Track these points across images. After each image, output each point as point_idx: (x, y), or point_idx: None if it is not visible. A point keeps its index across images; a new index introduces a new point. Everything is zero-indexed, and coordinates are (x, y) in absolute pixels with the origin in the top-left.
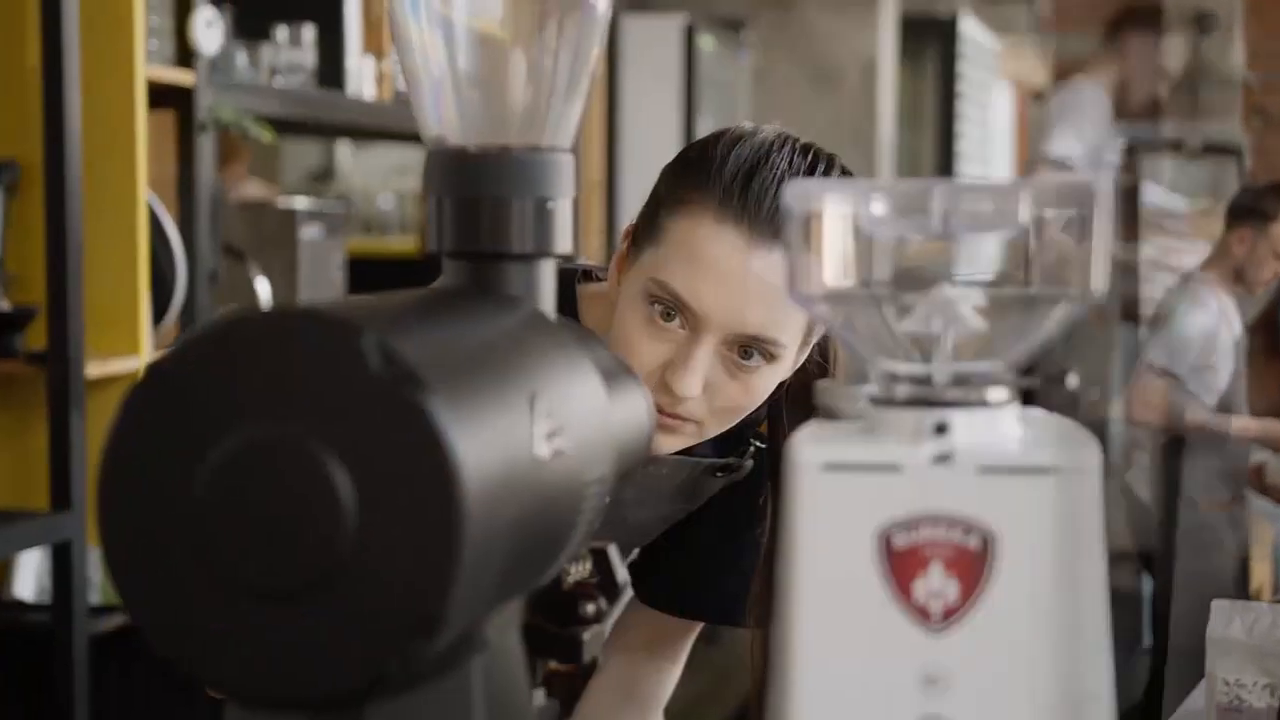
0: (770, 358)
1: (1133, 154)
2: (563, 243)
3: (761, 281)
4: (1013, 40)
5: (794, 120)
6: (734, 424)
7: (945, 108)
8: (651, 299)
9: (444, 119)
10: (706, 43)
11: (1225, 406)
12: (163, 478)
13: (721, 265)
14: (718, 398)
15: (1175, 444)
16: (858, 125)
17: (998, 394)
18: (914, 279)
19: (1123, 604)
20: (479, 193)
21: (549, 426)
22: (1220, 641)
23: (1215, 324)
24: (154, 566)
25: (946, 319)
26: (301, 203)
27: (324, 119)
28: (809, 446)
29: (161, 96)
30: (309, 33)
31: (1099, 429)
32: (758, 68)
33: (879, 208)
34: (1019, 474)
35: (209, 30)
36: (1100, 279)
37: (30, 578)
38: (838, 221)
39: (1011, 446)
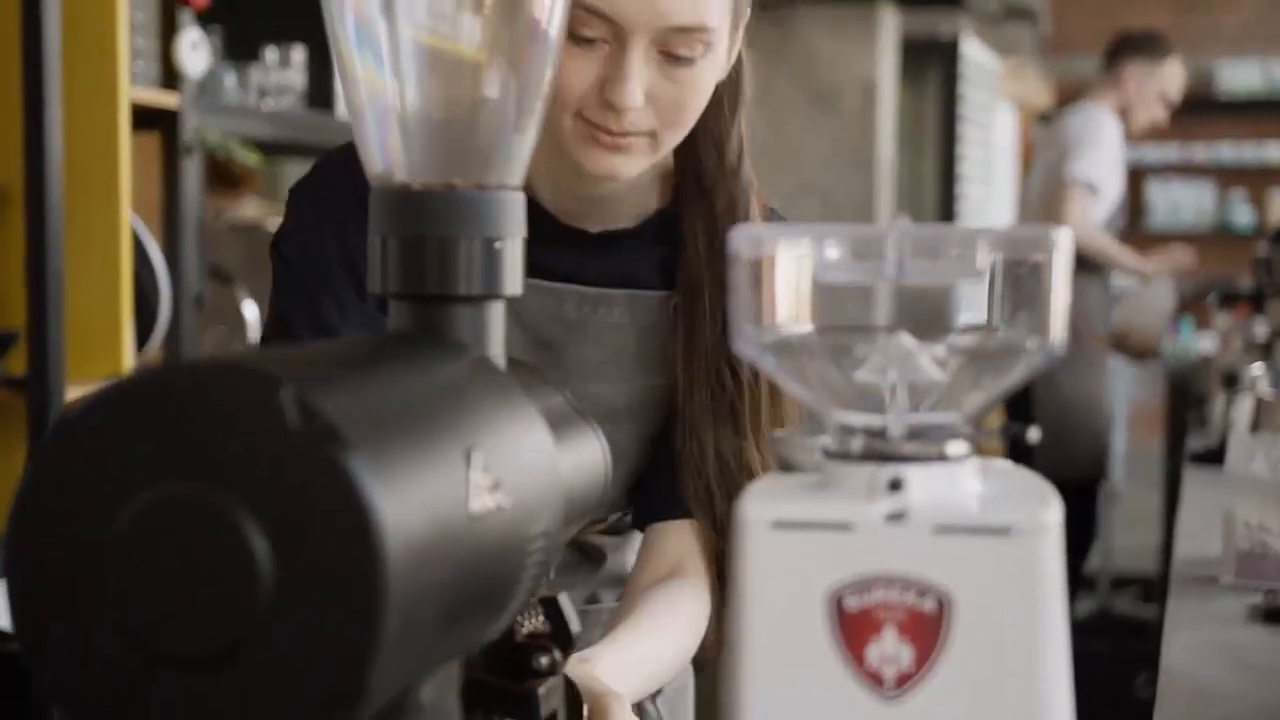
0: (704, 47)
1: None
2: (512, 284)
3: None
4: (1015, 62)
5: (794, 142)
6: (688, 129)
7: (947, 129)
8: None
9: (389, 155)
10: None
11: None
12: (72, 536)
13: None
14: (662, 103)
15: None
16: (858, 147)
17: (956, 448)
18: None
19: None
20: (424, 232)
21: (487, 480)
22: (1240, 479)
23: (1118, 144)
24: (63, 628)
25: (902, 370)
26: None
27: (313, 141)
28: (758, 503)
29: (147, 118)
30: (299, 54)
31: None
32: (754, 91)
33: (833, 252)
34: (976, 534)
35: (194, 52)
36: (1060, 331)
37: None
38: (790, 266)
39: (969, 504)
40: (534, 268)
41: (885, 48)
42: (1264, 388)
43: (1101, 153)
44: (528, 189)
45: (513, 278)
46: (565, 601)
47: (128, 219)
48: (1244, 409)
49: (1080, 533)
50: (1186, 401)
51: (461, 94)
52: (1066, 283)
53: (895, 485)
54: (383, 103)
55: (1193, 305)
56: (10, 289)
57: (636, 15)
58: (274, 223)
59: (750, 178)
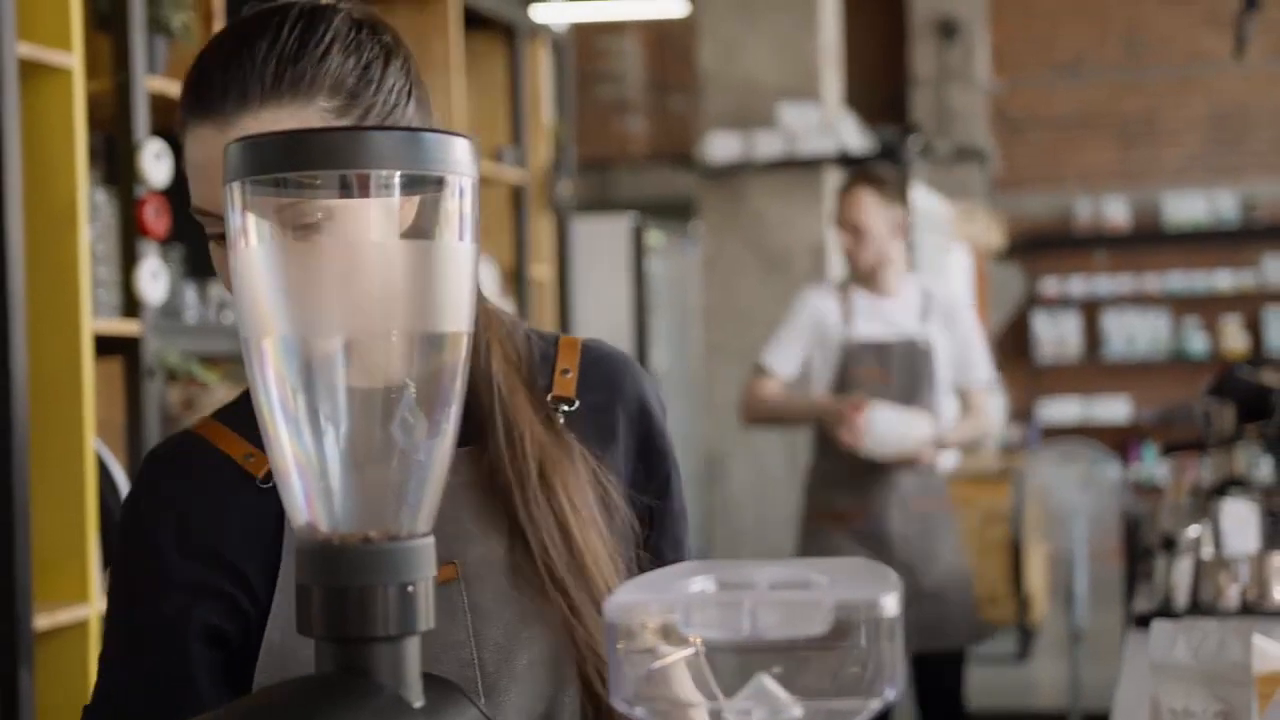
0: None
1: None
2: (425, 620)
3: None
4: (966, 205)
5: (746, 304)
6: None
7: None
8: (204, 229)
9: (313, 510)
10: (656, 238)
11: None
12: None
13: (213, 158)
14: None
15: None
16: None
17: None
18: None
19: None
20: (345, 582)
21: None
22: (1164, 666)
23: (815, 323)
24: None
25: (765, 709)
26: None
27: None
28: None
29: (109, 345)
30: None
31: None
32: (708, 255)
33: (697, 616)
34: None
35: (154, 281)
36: (894, 683)
37: None
38: (657, 625)
39: None
40: None
41: (832, 210)
42: (1206, 549)
43: (783, 335)
44: None
45: (426, 615)
46: None
47: (91, 447)
48: (1183, 572)
49: (953, 699)
50: (1139, 544)
51: (377, 457)
52: (900, 640)
53: None
54: (304, 465)
55: (1154, 432)
56: None
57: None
58: None
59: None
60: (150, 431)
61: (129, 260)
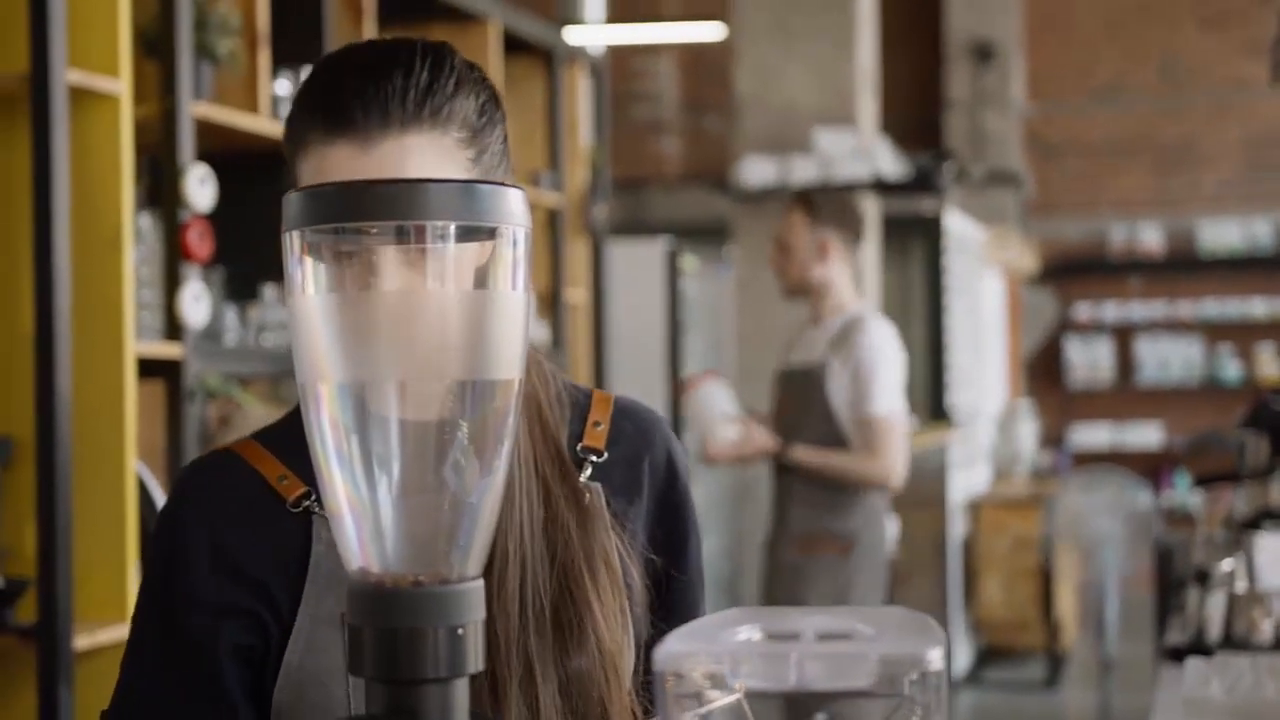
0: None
1: None
2: (475, 662)
3: (396, 170)
4: (999, 230)
5: (780, 330)
6: None
7: (933, 301)
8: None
9: (366, 553)
10: (690, 262)
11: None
12: None
13: (342, 175)
14: None
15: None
16: None
17: None
18: None
19: None
20: (396, 624)
21: None
22: (1197, 701)
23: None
24: None
25: None
26: None
27: None
28: None
29: (152, 366)
30: None
31: None
32: (742, 279)
33: (744, 667)
34: None
35: (196, 304)
36: None
37: None
38: (705, 674)
39: None
40: None
41: (868, 235)
42: (1239, 583)
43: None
44: None
45: (475, 657)
46: None
47: (133, 468)
48: (1217, 606)
49: None
50: (1171, 573)
51: (429, 500)
52: (945, 689)
53: None
54: (357, 508)
55: (1186, 459)
56: (21, 538)
57: None
58: None
59: None
60: (190, 454)
61: (172, 284)
